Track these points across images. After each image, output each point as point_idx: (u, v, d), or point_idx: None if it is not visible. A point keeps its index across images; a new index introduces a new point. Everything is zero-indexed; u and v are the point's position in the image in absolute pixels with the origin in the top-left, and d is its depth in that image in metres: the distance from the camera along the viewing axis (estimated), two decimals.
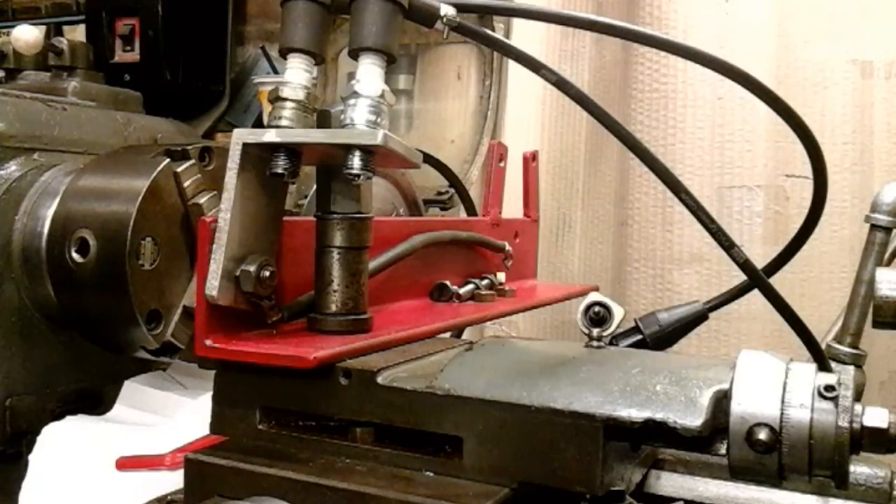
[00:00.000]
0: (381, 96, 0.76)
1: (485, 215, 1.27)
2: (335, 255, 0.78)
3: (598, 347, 0.80)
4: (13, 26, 1.47)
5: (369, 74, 0.76)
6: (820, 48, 1.51)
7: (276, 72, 1.88)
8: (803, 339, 0.85)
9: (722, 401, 0.65)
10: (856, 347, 1.10)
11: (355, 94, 0.75)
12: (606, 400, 0.65)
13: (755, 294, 0.89)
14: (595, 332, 0.81)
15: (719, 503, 0.81)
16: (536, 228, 1.39)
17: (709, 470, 0.83)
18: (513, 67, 1.72)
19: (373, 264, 0.87)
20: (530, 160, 1.36)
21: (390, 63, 0.77)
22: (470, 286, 1.07)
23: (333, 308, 0.78)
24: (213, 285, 0.71)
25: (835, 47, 1.51)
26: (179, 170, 0.99)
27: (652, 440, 0.70)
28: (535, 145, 1.58)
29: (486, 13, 1.37)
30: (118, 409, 1.05)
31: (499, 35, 0.91)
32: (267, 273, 0.74)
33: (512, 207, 1.35)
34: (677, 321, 1.04)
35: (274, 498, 0.66)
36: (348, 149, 0.73)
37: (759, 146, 1.54)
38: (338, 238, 0.78)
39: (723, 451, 0.65)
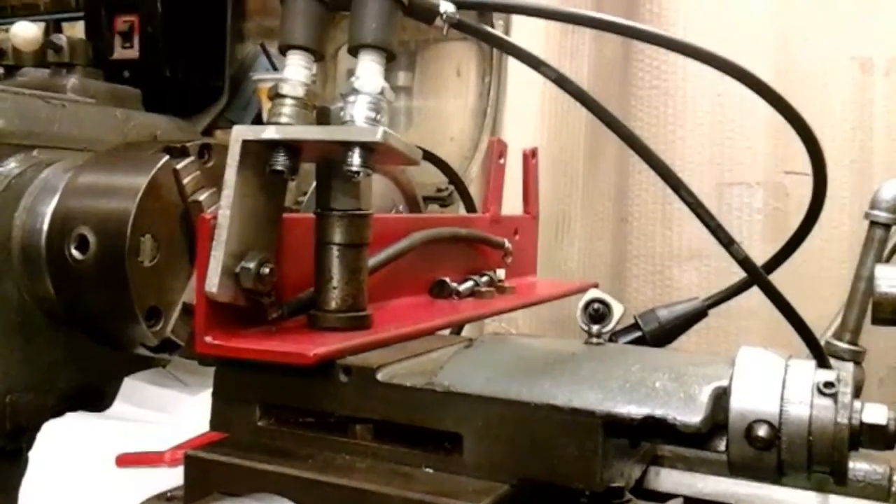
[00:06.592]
0: (381, 93, 0.75)
1: (484, 212, 1.27)
2: (335, 251, 0.78)
3: (598, 344, 0.80)
4: (12, 22, 1.47)
5: (369, 71, 0.76)
6: (820, 45, 1.51)
7: (275, 69, 1.87)
8: (802, 336, 0.85)
9: (721, 397, 0.65)
10: (855, 344, 1.10)
11: (355, 91, 0.75)
12: (606, 396, 0.65)
13: (755, 291, 0.89)
14: (594, 328, 0.81)
15: (719, 499, 0.82)
16: (536, 225, 1.39)
17: (708, 466, 0.84)
18: (512, 64, 1.72)
19: (372, 261, 0.87)
20: (530, 157, 1.36)
21: (390, 60, 0.77)
22: (469, 283, 1.07)
23: (333, 305, 0.78)
24: (212, 282, 0.71)
25: (834, 44, 1.51)
26: (179, 167, 0.99)
27: (651, 437, 0.70)
28: (535, 142, 1.58)
29: (486, 10, 1.37)
30: (118, 406, 1.05)
31: (498, 32, 0.91)
32: (267, 270, 0.74)
33: (512, 204, 1.35)
34: (677, 318, 1.04)
35: (274, 494, 0.66)
36: (348, 146, 0.73)
37: (758, 143, 1.54)
38: (337, 235, 0.78)
39: (722, 447, 0.65)
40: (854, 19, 1.50)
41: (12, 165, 1.09)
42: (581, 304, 0.82)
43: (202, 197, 1.00)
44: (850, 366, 1.09)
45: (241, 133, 0.74)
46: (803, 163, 0.94)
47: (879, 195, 1.09)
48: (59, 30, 1.87)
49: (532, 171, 1.37)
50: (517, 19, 1.63)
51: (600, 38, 1.67)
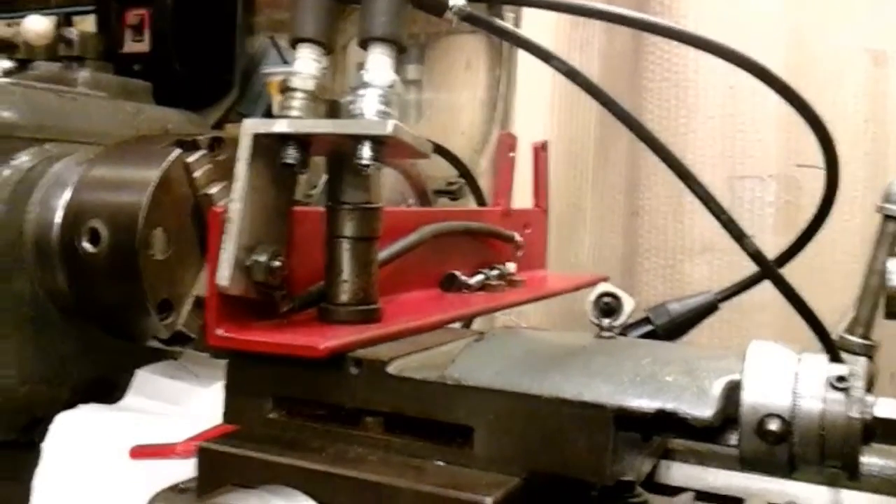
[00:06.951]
0: (391, 86, 0.75)
1: (495, 206, 1.26)
2: (345, 245, 0.78)
3: (609, 338, 0.80)
4: (23, 16, 1.48)
5: (379, 64, 0.76)
6: (832, 37, 1.50)
7: (285, 62, 1.88)
8: (814, 330, 0.85)
9: (733, 391, 0.65)
10: (867, 338, 1.10)
11: (365, 84, 0.75)
12: (617, 390, 0.65)
13: (766, 284, 0.88)
14: (605, 322, 0.81)
15: (730, 493, 0.81)
16: (546, 218, 1.38)
17: (719, 460, 0.83)
18: (522, 57, 1.71)
19: (383, 254, 0.87)
20: (540, 150, 1.36)
21: (400, 53, 0.77)
22: (480, 276, 1.07)
23: (344, 298, 0.79)
24: (224, 275, 0.71)
25: (847, 36, 1.50)
26: (190, 160, 0.99)
27: (662, 430, 0.70)
28: (545, 135, 1.58)
29: (496, 2, 1.36)
30: (131, 398, 1.06)
31: (508, 24, 0.90)
32: (277, 263, 0.74)
33: (522, 197, 1.34)
34: (688, 311, 1.04)
35: (286, 486, 0.67)
36: (358, 139, 0.73)
37: (770, 136, 1.53)
38: (348, 228, 0.78)
39: (733, 441, 0.65)
40: (867, 11, 1.49)
41: (24, 159, 1.09)
42: (591, 297, 0.81)
43: (213, 190, 1.00)
44: (862, 360, 1.07)
45: (251, 126, 0.74)
46: (815, 156, 0.93)
47: (892, 188, 1.08)
48: (69, 23, 1.88)
49: (542, 164, 1.37)
50: (527, 12, 1.63)
51: (611, 30, 1.66)
